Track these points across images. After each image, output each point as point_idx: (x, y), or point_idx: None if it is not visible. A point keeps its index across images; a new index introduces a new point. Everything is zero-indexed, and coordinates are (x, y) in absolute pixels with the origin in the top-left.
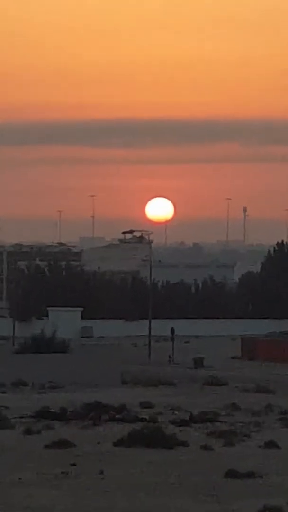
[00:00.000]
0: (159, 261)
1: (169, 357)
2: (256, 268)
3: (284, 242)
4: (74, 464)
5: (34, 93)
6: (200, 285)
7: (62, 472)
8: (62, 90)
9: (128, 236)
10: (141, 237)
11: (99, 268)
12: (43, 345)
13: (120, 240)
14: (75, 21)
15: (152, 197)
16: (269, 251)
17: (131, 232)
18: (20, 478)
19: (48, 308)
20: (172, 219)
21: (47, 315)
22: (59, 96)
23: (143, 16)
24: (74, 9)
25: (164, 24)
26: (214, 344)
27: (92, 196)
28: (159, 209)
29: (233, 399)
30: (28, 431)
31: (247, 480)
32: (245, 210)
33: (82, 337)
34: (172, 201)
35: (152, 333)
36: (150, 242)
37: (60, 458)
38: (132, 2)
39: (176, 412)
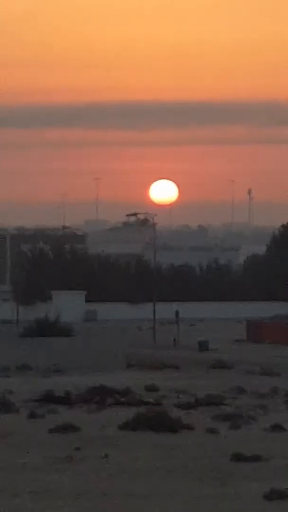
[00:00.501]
0: (164, 243)
1: (174, 340)
2: (261, 250)
3: None
4: (78, 448)
5: (36, 76)
6: (205, 268)
7: (66, 456)
8: (65, 73)
9: (132, 218)
10: (145, 219)
11: (103, 251)
12: (47, 329)
13: (124, 223)
14: (73, 4)
15: (156, 180)
16: (274, 233)
17: (135, 214)
18: (24, 463)
19: (52, 292)
20: (177, 201)
21: (51, 299)
22: (62, 79)
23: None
24: None
25: (165, 6)
26: (219, 327)
27: (96, 178)
28: (163, 192)
29: (238, 382)
30: (32, 415)
31: (253, 463)
32: (249, 192)
33: (86, 320)
34: (176, 184)
35: (156, 316)
36: (154, 224)
37: (64, 442)
38: None
39: (181, 396)
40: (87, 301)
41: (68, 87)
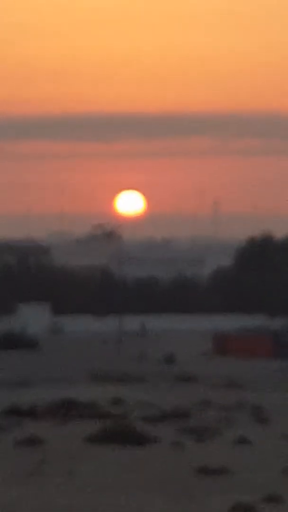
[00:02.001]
0: (129, 256)
1: (140, 353)
2: (227, 263)
3: (255, 237)
4: (44, 461)
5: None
6: (171, 280)
7: (32, 470)
8: (28, 84)
9: (98, 231)
10: (111, 231)
11: (68, 263)
12: (12, 341)
13: (90, 235)
14: (41, 18)
15: (122, 191)
16: (239, 246)
17: (100, 226)
18: None
19: (17, 304)
20: (142, 213)
21: (16, 311)
22: (26, 90)
23: (120, 10)
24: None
25: (139, 18)
26: (185, 340)
27: (62, 190)
28: (129, 204)
29: (204, 395)
30: None
31: (219, 477)
32: (215, 204)
33: (52, 333)
34: (142, 195)
35: (122, 329)
36: (119, 237)
37: (29, 455)
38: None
39: (147, 408)
40: (52, 313)
41: (32, 98)
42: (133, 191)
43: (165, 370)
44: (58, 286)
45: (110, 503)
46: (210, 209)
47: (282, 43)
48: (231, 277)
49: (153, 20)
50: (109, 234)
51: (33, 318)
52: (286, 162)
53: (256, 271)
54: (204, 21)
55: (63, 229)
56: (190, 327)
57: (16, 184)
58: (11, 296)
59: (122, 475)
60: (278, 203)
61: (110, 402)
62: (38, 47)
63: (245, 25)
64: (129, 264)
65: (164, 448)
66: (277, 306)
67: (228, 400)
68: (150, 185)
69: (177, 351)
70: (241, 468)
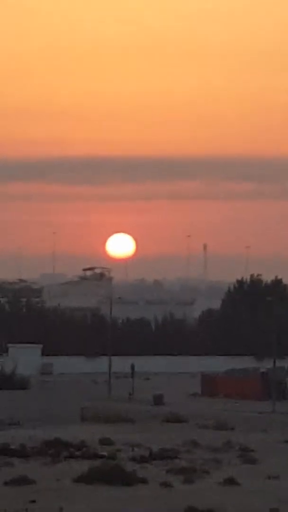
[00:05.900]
0: (119, 297)
1: (129, 394)
2: (216, 305)
3: (244, 279)
4: (33, 501)
5: None
6: (160, 322)
7: (22, 509)
8: (22, 126)
9: (89, 272)
10: (102, 274)
11: (59, 304)
12: (3, 382)
13: (81, 277)
14: (34, 56)
15: (113, 234)
16: (229, 288)
17: (91, 269)
18: None
19: (8, 345)
20: (133, 255)
21: (7, 352)
22: (20, 132)
23: (113, 51)
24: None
25: (128, 63)
26: (174, 381)
27: (54, 232)
28: (120, 246)
29: (193, 436)
30: None
31: None
32: (205, 247)
33: (42, 373)
34: (133, 238)
35: (112, 370)
36: (110, 278)
37: (19, 495)
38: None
39: (136, 449)
40: (43, 354)
41: (26, 140)
42: (124, 233)
43: (154, 411)
44: (49, 327)
45: None
46: (199, 251)
47: (270, 89)
48: (220, 319)
49: (142, 65)
50: (100, 276)
51: (24, 358)
52: (275, 205)
53: (245, 313)
54: (190, 66)
55: (55, 271)
56: (179, 368)
57: (8, 225)
58: (2, 337)
59: None
60: (267, 245)
61: (99, 442)
62: (35, 89)
63: (234, 70)
64: (120, 305)
65: (153, 488)
66: (265, 348)
67: (216, 441)
68: (140, 228)
69: (166, 392)
70: (228, 509)
